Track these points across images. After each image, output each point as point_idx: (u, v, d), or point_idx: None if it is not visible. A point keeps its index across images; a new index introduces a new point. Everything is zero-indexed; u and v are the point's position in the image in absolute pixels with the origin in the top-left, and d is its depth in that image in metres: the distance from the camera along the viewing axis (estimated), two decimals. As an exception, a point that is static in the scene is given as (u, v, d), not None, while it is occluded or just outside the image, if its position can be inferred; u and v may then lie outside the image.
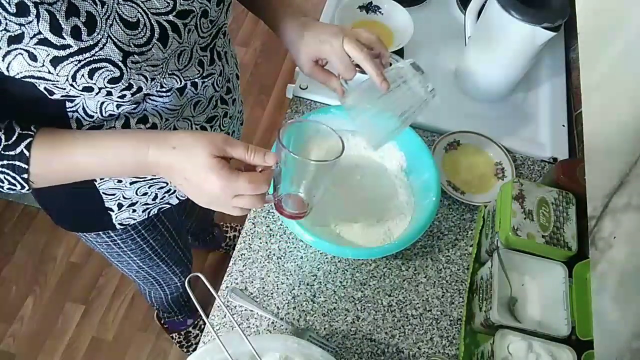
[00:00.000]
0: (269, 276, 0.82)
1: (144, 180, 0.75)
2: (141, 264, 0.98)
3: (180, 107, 0.67)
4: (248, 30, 2.31)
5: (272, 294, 0.81)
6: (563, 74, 1.13)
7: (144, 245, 0.91)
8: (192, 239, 1.61)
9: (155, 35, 0.54)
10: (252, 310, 0.79)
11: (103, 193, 0.74)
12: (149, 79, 0.57)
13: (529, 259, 0.75)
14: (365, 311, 0.81)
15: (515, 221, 0.75)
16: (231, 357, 0.60)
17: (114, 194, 0.74)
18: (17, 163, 0.55)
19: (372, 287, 0.83)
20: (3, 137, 0.54)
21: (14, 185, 0.56)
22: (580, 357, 0.68)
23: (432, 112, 1.03)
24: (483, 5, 0.97)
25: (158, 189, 0.78)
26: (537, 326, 0.71)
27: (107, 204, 0.76)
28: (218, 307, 0.79)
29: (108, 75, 0.53)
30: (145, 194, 0.77)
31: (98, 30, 0.50)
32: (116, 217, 0.79)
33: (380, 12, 1.10)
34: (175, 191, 0.81)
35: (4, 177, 0.55)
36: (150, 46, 0.54)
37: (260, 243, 0.85)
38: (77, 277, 1.68)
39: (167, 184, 0.78)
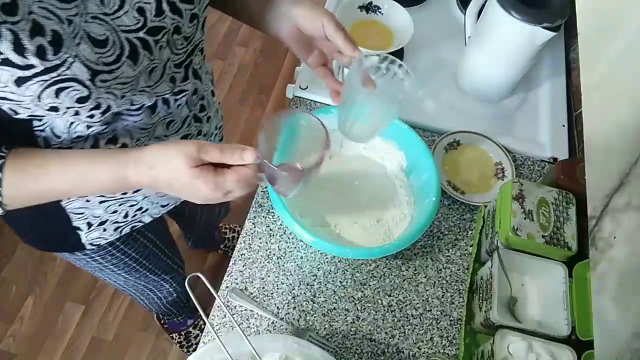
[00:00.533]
0: (269, 276, 0.82)
1: (113, 199, 0.73)
2: (127, 277, 0.96)
3: (152, 126, 0.66)
4: (248, 30, 2.31)
5: (272, 294, 0.81)
6: (563, 74, 1.13)
7: (126, 259, 0.89)
8: (191, 243, 1.61)
9: (125, 53, 0.53)
10: (252, 310, 0.79)
11: (70, 212, 0.72)
12: (119, 97, 0.56)
13: (529, 259, 0.75)
14: (365, 311, 0.81)
15: (515, 221, 0.75)
16: (231, 357, 0.60)
17: (82, 213, 0.73)
18: None
19: (372, 287, 0.83)
20: None
21: None
22: (580, 357, 0.68)
23: (432, 112, 1.03)
24: (483, 5, 0.97)
25: (129, 206, 0.76)
26: (537, 326, 0.71)
27: (75, 223, 0.74)
28: (218, 307, 0.79)
29: (75, 94, 0.51)
30: (115, 212, 0.75)
31: (65, 50, 0.48)
32: (86, 237, 0.77)
33: (380, 12, 1.10)
34: (147, 209, 0.80)
35: None
36: (119, 64, 0.53)
37: (260, 243, 0.85)
38: (77, 277, 1.68)
39: (138, 202, 0.77)
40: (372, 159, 0.91)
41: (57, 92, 0.50)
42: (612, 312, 0.37)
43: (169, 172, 0.54)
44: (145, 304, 1.25)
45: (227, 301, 0.79)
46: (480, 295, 0.76)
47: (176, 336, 1.52)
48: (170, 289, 1.15)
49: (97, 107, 0.55)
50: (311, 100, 1.02)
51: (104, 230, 0.77)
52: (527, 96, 1.09)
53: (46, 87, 0.49)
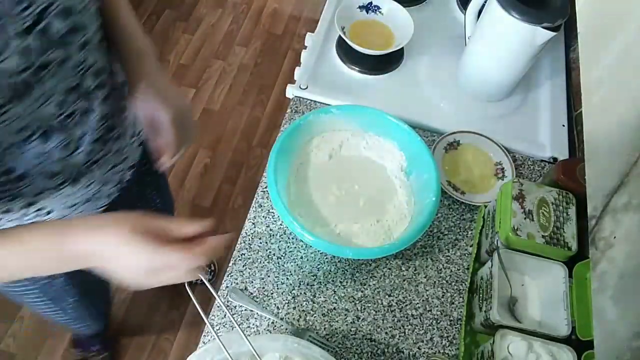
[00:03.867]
0: (269, 276, 0.82)
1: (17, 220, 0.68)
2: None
3: (47, 153, 0.63)
4: (248, 30, 2.32)
5: (272, 294, 0.81)
6: (563, 74, 1.13)
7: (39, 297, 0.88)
8: None
9: (13, 94, 0.52)
10: (252, 310, 0.79)
11: None
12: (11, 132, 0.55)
13: (529, 259, 0.75)
14: (365, 311, 0.81)
15: (515, 221, 0.75)
16: (231, 357, 0.60)
17: None
18: None
19: (372, 287, 0.83)
20: None
21: None
22: (580, 357, 0.68)
23: (432, 112, 1.03)
24: (483, 5, 0.97)
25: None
26: (537, 326, 0.71)
27: None
28: (218, 307, 0.79)
29: None
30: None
31: None
32: None
33: (380, 12, 1.10)
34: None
35: None
36: (8, 107, 0.52)
37: (260, 243, 0.85)
38: (77, 277, 1.69)
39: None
40: (372, 159, 0.91)
41: None
42: (612, 312, 0.37)
43: (113, 231, 0.50)
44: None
45: (227, 301, 0.79)
46: (480, 295, 0.76)
47: (77, 352, 1.50)
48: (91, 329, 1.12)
49: None
50: (311, 100, 1.02)
51: None
52: (527, 96, 1.09)
53: None
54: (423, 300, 0.82)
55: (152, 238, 0.50)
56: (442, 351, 0.78)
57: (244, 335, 0.59)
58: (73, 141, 0.65)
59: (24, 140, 0.59)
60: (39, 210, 0.69)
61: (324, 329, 0.79)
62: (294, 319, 0.79)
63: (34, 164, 0.62)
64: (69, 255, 0.52)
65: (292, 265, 0.84)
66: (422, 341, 0.79)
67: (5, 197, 0.63)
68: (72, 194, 0.71)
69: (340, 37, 1.07)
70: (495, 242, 0.78)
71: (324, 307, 0.80)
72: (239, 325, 0.66)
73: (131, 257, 0.51)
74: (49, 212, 0.71)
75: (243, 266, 0.83)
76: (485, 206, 0.89)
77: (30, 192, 0.65)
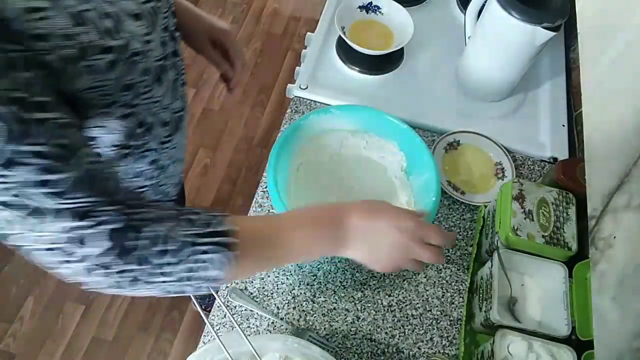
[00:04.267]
0: (269, 276, 0.82)
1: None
2: None
3: (161, 97, 0.68)
4: (248, 30, 2.32)
5: (272, 294, 0.81)
6: (563, 74, 1.13)
7: None
8: None
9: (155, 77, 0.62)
10: (252, 310, 0.79)
11: None
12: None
13: (529, 259, 0.75)
14: (365, 311, 0.81)
15: (515, 221, 0.75)
16: (231, 357, 0.60)
17: None
18: (226, 239, 0.50)
19: (372, 287, 0.83)
20: (207, 217, 0.51)
21: (216, 267, 0.50)
22: (580, 357, 0.68)
23: (432, 112, 1.03)
24: (483, 5, 0.97)
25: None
26: (537, 326, 0.71)
27: None
28: (218, 307, 0.79)
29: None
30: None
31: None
32: None
33: (380, 12, 1.10)
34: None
35: (209, 258, 0.49)
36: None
37: (260, 243, 0.85)
38: (77, 277, 1.68)
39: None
40: (372, 159, 0.91)
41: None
42: (612, 312, 0.37)
43: (379, 209, 0.62)
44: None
45: (227, 301, 0.79)
46: (480, 295, 0.76)
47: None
48: None
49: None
50: (311, 100, 1.02)
51: None
52: (527, 96, 1.09)
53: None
54: (423, 300, 0.82)
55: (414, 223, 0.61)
56: (442, 351, 0.78)
57: (244, 335, 0.59)
58: (176, 89, 0.73)
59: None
60: (154, 162, 0.76)
61: (324, 329, 0.79)
62: (294, 319, 0.79)
63: (154, 112, 0.68)
64: (341, 233, 0.60)
65: (292, 265, 0.83)
66: (422, 341, 0.79)
67: (141, 151, 0.70)
68: (173, 148, 0.78)
69: (340, 37, 1.07)
70: (495, 242, 0.78)
71: (324, 307, 0.80)
72: (239, 325, 0.66)
73: (398, 222, 0.60)
74: (162, 167, 0.79)
75: (243, 266, 0.83)
76: (485, 206, 0.89)
77: (155, 143, 0.72)
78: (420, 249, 0.61)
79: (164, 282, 0.49)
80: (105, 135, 0.63)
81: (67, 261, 0.46)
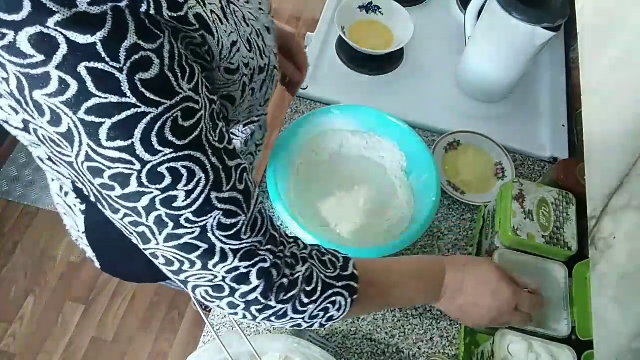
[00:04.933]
0: (269, 276, 0.82)
1: None
2: None
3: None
4: (248, 30, 2.31)
5: (272, 294, 0.81)
6: (563, 74, 1.13)
7: None
8: None
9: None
10: (252, 310, 0.79)
11: None
12: None
13: (529, 259, 0.75)
14: (365, 311, 0.81)
15: (515, 221, 0.75)
16: (231, 357, 0.60)
17: None
18: (352, 283, 0.53)
19: (372, 287, 0.83)
20: (335, 259, 0.54)
21: (340, 309, 0.53)
22: (580, 357, 0.68)
23: (432, 112, 1.03)
24: (483, 5, 0.97)
25: None
26: (537, 326, 0.71)
27: None
28: (218, 307, 0.79)
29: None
30: None
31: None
32: None
33: (380, 12, 1.10)
34: None
35: (337, 300, 0.53)
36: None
37: (260, 243, 0.85)
38: (77, 277, 1.69)
39: None
40: (372, 159, 0.91)
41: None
42: (612, 312, 0.37)
43: (479, 268, 0.63)
44: None
45: (227, 301, 0.79)
46: (480, 295, 0.76)
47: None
48: None
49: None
50: (311, 100, 1.02)
51: None
52: (527, 96, 1.09)
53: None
54: (423, 300, 0.82)
55: (511, 279, 0.64)
56: (442, 351, 0.78)
57: (244, 335, 0.59)
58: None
59: None
60: (250, 165, 0.78)
61: (324, 329, 0.79)
62: (294, 319, 0.79)
63: (261, 117, 0.71)
64: (440, 275, 0.62)
65: (292, 265, 0.83)
66: (422, 341, 0.79)
67: (245, 155, 0.73)
68: (262, 151, 0.81)
69: (340, 37, 1.07)
70: (495, 242, 0.78)
71: (324, 307, 0.80)
72: (239, 325, 0.66)
73: (495, 293, 0.62)
74: (252, 170, 0.80)
75: (243, 266, 0.83)
76: (485, 206, 0.89)
77: (254, 147, 0.75)
78: (510, 317, 0.64)
79: (302, 318, 0.52)
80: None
81: (224, 297, 0.48)
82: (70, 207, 0.69)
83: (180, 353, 1.56)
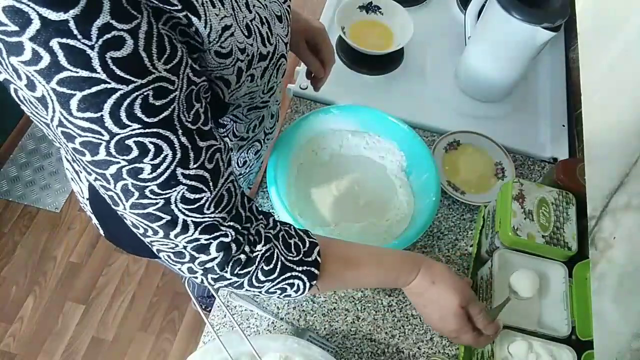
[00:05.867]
0: (269, 276, 0.82)
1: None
2: None
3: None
4: (248, 30, 2.31)
5: (272, 294, 0.81)
6: (563, 74, 1.13)
7: None
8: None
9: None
10: (252, 310, 0.79)
11: None
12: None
13: (529, 259, 0.75)
14: (365, 311, 0.81)
15: (515, 221, 0.75)
16: (231, 357, 0.60)
17: None
18: (313, 269, 0.55)
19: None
20: (300, 244, 0.56)
21: (298, 290, 0.56)
22: (580, 357, 0.68)
23: (432, 112, 1.03)
24: (483, 5, 0.97)
25: None
26: (537, 326, 0.71)
27: None
28: (218, 307, 0.79)
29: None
30: None
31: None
32: None
33: (380, 12, 1.10)
34: None
35: (296, 283, 0.55)
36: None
37: (260, 243, 0.85)
38: (77, 277, 1.69)
39: None
40: (372, 159, 0.91)
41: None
42: (612, 312, 0.37)
43: (443, 295, 0.62)
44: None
45: (227, 301, 0.79)
46: (480, 295, 0.76)
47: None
48: None
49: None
50: (311, 100, 1.02)
51: None
52: (527, 96, 1.09)
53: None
54: (423, 300, 0.82)
55: (464, 319, 0.63)
56: (442, 351, 0.78)
57: (244, 335, 0.59)
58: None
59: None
60: (257, 152, 0.79)
61: (324, 329, 0.79)
62: (294, 319, 0.79)
63: (270, 105, 0.70)
64: (408, 270, 0.62)
65: (292, 265, 0.83)
66: (422, 341, 0.79)
67: (252, 142, 0.74)
68: (272, 139, 0.81)
69: (340, 37, 1.07)
70: (495, 242, 0.78)
71: (324, 307, 0.80)
72: (239, 325, 0.66)
73: (441, 319, 0.63)
74: (259, 157, 0.82)
75: (243, 266, 0.83)
76: (485, 206, 0.89)
77: (262, 134, 0.76)
78: (455, 340, 0.65)
79: (259, 292, 0.55)
80: (233, 124, 0.64)
81: (185, 262, 0.51)
82: (77, 173, 0.70)
83: (180, 353, 1.56)
